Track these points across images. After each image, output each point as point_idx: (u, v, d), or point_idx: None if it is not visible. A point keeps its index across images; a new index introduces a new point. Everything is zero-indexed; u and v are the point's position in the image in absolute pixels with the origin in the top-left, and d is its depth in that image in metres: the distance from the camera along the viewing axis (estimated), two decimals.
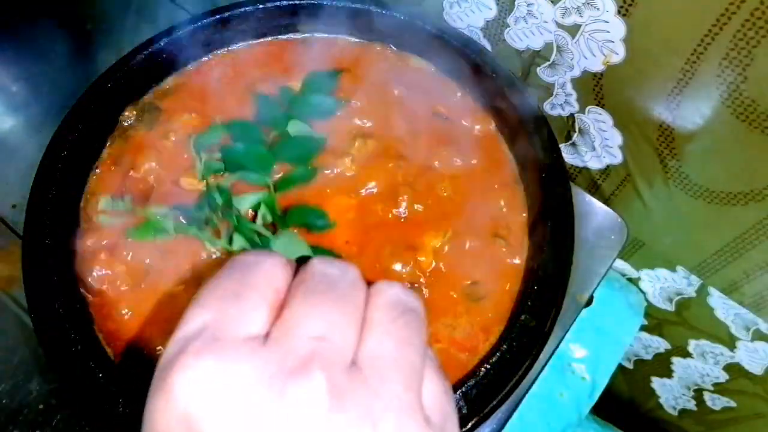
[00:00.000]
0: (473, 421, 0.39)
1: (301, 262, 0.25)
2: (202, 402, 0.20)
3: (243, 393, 0.20)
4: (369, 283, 0.25)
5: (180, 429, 0.20)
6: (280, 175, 0.48)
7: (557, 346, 0.49)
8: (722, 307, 0.64)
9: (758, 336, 0.63)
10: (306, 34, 0.60)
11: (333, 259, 0.26)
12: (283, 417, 0.20)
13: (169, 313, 0.44)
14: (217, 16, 0.56)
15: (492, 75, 0.53)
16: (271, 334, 0.22)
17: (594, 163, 0.65)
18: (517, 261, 0.48)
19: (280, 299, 0.24)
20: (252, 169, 0.45)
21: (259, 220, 0.43)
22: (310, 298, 0.23)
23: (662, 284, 0.70)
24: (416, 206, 0.49)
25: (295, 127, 0.49)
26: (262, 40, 0.59)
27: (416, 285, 0.46)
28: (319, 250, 0.43)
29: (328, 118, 0.52)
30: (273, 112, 0.52)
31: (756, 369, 0.67)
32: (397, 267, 0.46)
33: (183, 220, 0.45)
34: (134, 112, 0.54)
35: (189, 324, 0.22)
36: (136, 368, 0.42)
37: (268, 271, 0.24)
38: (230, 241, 0.41)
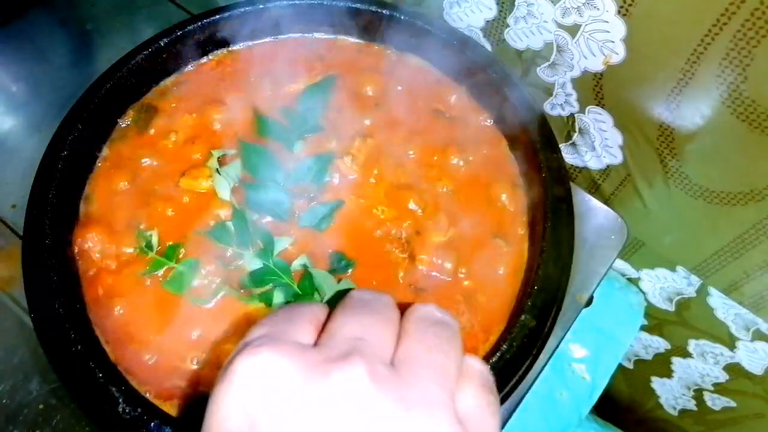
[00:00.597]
0: None
1: (340, 297, 0.30)
2: (257, 381, 0.24)
3: (293, 374, 0.24)
4: (403, 309, 0.29)
5: (239, 406, 0.23)
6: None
7: (557, 346, 0.49)
8: (722, 307, 0.64)
9: (758, 336, 0.63)
10: (306, 34, 0.60)
11: (369, 289, 0.31)
12: (327, 393, 0.23)
13: (171, 314, 0.44)
14: (217, 17, 0.56)
15: (492, 74, 0.53)
16: (317, 342, 0.27)
17: (594, 163, 0.65)
18: (517, 261, 0.48)
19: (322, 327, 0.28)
20: (273, 212, 0.48)
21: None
22: (349, 312, 0.28)
23: (662, 284, 0.70)
24: (417, 205, 0.49)
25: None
26: (261, 40, 0.59)
27: (416, 285, 0.46)
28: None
29: (320, 134, 0.52)
30: (275, 132, 0.52)
31: (756, 369, 0.67)
32: (398, 266, 0.46)
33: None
34: (134, 113, 0.54)
35: (249, 336, 0.27)
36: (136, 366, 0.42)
37: (312, 307, 0.30)
38: (271, 300, 0.43)
